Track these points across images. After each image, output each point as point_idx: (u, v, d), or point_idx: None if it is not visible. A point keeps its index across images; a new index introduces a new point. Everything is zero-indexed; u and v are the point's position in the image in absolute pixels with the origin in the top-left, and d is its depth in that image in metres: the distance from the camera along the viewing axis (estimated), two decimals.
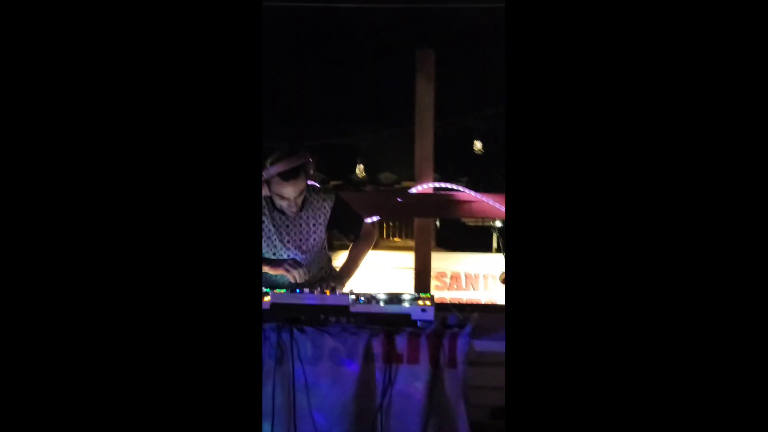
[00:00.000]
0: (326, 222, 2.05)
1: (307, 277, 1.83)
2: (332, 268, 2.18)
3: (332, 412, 1.47)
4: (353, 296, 1.62)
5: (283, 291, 1.72)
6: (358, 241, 2.14)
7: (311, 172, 1.96)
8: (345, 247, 2.31)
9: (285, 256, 1.97)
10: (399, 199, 3.34)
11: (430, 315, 1.52)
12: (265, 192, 1.90)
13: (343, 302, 1.60)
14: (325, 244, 2.20)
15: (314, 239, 2.04)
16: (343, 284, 1.99)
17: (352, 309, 1.56)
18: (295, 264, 1.88)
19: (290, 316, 1.56)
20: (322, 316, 1.57)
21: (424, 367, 1.46)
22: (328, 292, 1.69)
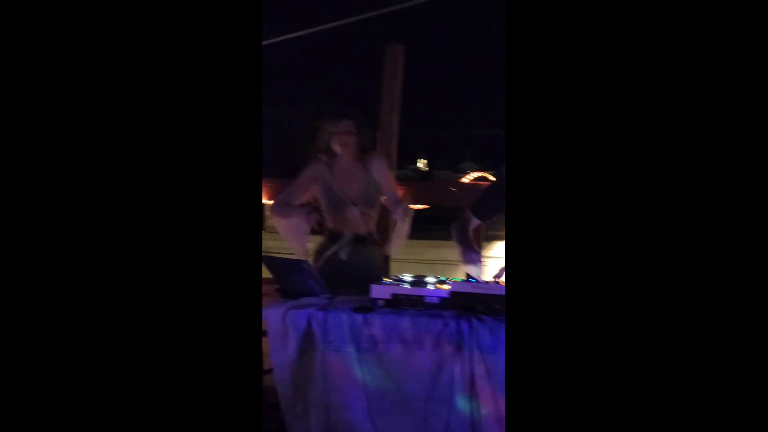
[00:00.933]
0: None
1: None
2: None
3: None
4: None
5: (459, 280, 1.78)
6: None
7: None
8: None
9: None
10: None
11: None
12: None
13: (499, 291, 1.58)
14: None
15: None
16: None
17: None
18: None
19: (468, 304, 1.60)
20: (498, 306, 1.57)
21: None
22: (503, 283, 1.68)
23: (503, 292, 1.60)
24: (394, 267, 2.69)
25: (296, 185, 2.27)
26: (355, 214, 2.20)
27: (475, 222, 2.12)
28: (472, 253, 2.02)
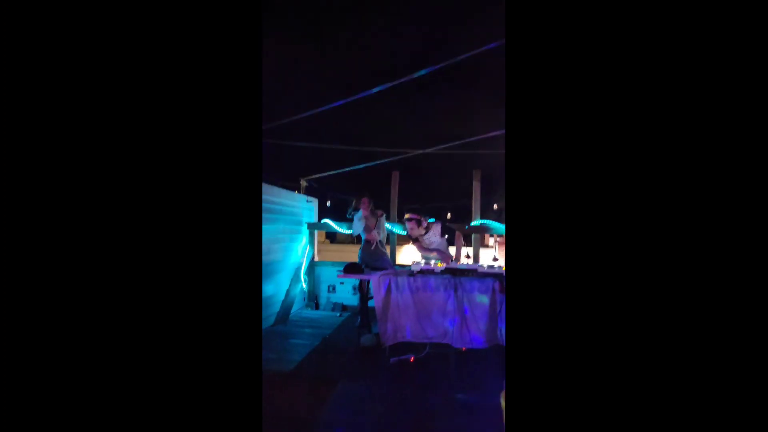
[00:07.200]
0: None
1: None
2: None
3: (480, 311, 3.28)
4: (488, 264, 3.47)
5: (441, 263, 3.65)
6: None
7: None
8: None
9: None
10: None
11: None
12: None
13: (475, 267, 3.44)
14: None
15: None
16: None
17: (479, 270, 3.39)
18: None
19: (452, 272, 3.43)
20: (470, 273, 3.41)
21: None
22: (471, 261, 3.55)
23: (467, 266, 3.46)
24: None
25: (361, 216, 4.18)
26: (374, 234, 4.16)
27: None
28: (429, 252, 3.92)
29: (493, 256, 5.76)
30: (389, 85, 3.17)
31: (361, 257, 3.88)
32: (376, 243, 4.07)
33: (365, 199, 4.13)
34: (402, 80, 3.04)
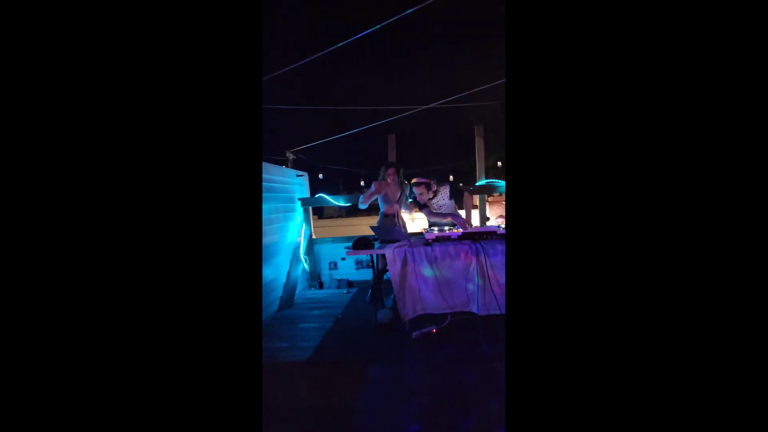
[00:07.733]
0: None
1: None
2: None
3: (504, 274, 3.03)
4: (497, 224, 3.19)
5: (455, 228, 3.36)
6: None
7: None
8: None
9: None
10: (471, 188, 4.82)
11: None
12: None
13: (494, 229, 3.17)
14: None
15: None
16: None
17: (499, 232, 3.13)
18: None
19: (471, 237, 3.17)
20: (486, 237, 3.15)
21: None
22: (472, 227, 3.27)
23: (486, 229, 3.20)
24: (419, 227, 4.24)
25: (373, 191, 3.80)
26: (396, 207, 3.75)
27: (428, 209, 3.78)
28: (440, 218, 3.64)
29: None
30: (378, 26, 2.78)
31: (377, 231, 3.57)
32: (397, 215, 3.80)
33: (392, 170, 3.83)
34: (395, 18, 2.65)
